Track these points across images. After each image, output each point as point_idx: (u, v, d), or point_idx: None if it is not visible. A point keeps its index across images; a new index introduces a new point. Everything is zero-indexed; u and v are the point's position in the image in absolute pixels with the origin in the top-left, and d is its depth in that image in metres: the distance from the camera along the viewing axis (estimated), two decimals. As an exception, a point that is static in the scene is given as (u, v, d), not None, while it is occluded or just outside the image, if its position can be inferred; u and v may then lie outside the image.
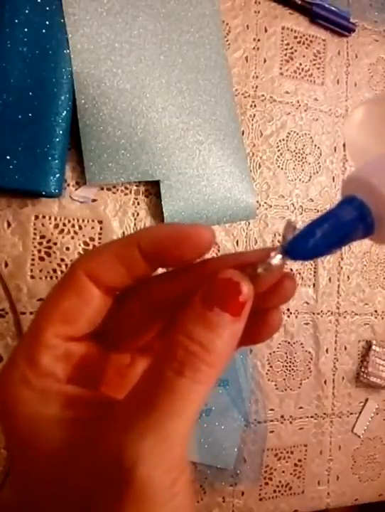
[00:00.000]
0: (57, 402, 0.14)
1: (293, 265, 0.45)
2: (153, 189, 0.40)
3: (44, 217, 0.36)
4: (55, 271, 0.37)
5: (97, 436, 0.13)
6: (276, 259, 0.15)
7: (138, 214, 0.39)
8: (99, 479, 0.13)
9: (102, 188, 0.38)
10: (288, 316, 0.45)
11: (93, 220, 0.38)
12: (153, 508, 0.13)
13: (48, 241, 0.36)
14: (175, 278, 0.17)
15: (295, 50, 0.46)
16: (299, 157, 0.46)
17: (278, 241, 0.44)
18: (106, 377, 0.18)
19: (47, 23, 0.34)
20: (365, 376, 0.47)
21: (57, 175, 0.34)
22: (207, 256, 0.16)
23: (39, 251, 0.36)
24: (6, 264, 0.35)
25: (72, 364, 0.16)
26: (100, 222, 0.38)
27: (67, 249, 0.37)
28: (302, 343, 0.45)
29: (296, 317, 0.45)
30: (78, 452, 0.13)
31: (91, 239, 0.38)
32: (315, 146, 0.47)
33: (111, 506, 0.13)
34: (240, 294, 0.14)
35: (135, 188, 0.39)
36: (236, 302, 0.14)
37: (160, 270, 0.17)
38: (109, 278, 0.15)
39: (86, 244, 0.38)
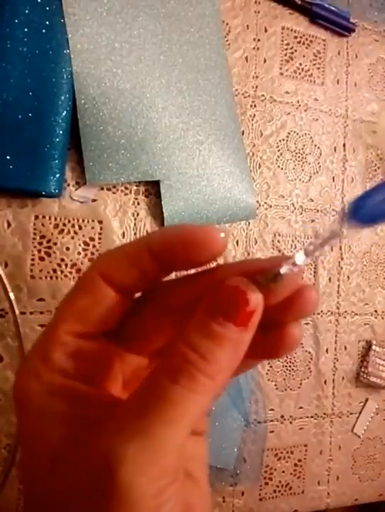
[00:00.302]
0: (62, 397, 0.14)
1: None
2: (153, 189, 0.40)
3: (44, 217, 0.36)
4: (55, 271, 0.37)
5: (94, 436, 0.13)
6: (284, 268, 0.14)
7: (138, 214, 0.39)
8: (93, 479, 0.13)
9: (102, 188, 0.38)
10: (288, 316, 0.45)
11: (93, 220, 0.38)
12: None
13: (48, 241, 0.36)
14: (189, 282, 0.16)
15: (295, 50, 0.46)
16: (299, 157, 0.46)
17: (278, 241, 0.44)
18: (123, 378, 0.18)
19: (47, 23, 0.34)
20: (365, 376, 0.47)
21: (57, 175, 0.34)
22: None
23: (39, 251, 0.36)
24: (6, 264, 0.35)
25: (83, 361, 0.16)
26: (100, 222, 0.38)
27: (67, 249, 0.37)
28: (302, 343, 0.45)
29: (296, 317, 0.45)
30: (78, 450, 0.13)
31: (91, 239, 0.38)
32: (315, 146, 0.47)
33: (98, 508, 0.12)
34: (247, 304, 0.13)
35: (135, 188, 0.39)
36: (243, 312, 0.13)
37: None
38: (122, 279, 0.15)
39: (86, 244, 0.38)
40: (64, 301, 0.16)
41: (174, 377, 0.13)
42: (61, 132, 0.34)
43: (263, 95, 0.44)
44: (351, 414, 0.48)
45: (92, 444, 0.13)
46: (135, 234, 0.39)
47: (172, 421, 0.13)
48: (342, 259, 0.47)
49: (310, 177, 0.46)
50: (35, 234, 0.36)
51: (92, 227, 0.38)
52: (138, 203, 0.39)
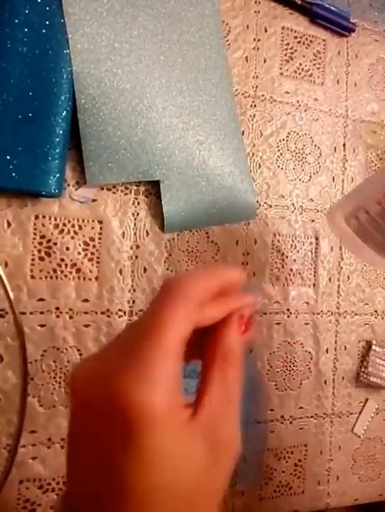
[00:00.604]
0: (176, 406, 0.18)
1: (293, 265, 0.45)
2: (153, 189, 0.40)
3: (44, 217, 0.36)
4: (55, 271, 0.37)
5: (216, 429, 0.19)
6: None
7: (138, 214, 0.39)
8: (223, 459, 0.19)
9: (102, 188, 0.38)
10: (288, 316, 0.45)
11: (93, 220, 0.38)
12: None
13: (48, 241, 0.36)
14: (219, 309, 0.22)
15: (295, 50, 0.46)
16: (299, 157, 0.46)
17: (278, 241, 0.44)
18: None
19: (47, 23, 0.34)
20: (365, 376, 0.47)
21: (57, 175, 0.34)
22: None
23: (39, 251, 0.36)
24: (6, 264, 0.35)
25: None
26: (100, 222, 0.38)
27: (67, 249, 0.37)
28: (302, 343, 0.45)
29: (296, 317, 0.45)
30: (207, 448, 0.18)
31: (92, 239, 0.38)
32: (315, 146, 0.47)
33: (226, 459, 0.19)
34: (249, 324, 0.22)
35: (135, 188, 0.39)
36: (248, 328, 0.22)
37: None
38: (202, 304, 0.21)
39: (86, 244, 0.38)
40: (173, 309, 0.19)
41: (228, 369, 0.20)
42: (61, 132, 0.34)
43: (263, 95, 0.44)
44: (351, 414, 0.48)
45: (219, 433, 0.19)
46: (135, 234, 0.39)
47: (237, 396, 0.20)
48: (342, 259, 0.47)
49: (310, 177, 0.46)
50: (35, 234, 0.36)
51: (92, 227, 0.38)
52: (138, 203, 0.39)
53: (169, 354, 0.17)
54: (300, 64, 0.46)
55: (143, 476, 0.16)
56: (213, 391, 0.19)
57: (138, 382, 0.16)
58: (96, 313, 0.38)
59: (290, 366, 0.45)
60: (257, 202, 0.44)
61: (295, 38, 0.46)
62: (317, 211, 0.46)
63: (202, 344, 0.21)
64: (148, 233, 0.40)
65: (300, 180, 0.46)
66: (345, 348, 0.47)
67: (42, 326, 0.36)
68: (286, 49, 0.46)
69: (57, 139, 0.34)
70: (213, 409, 0.19)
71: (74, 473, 0.18)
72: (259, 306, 0.31)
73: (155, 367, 0.17)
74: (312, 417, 0.46)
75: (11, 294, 0.33)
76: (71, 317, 0.37)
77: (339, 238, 0.45)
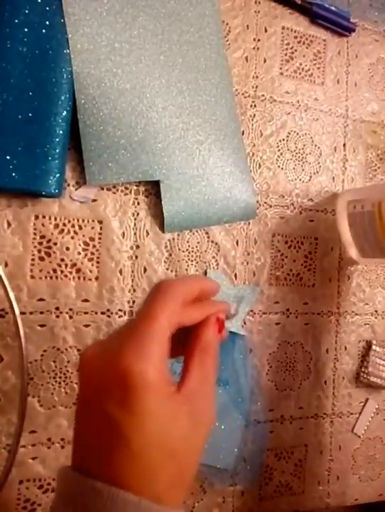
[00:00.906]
0: (168, 382, 0.22)
1: (293, 265, 0.45)
2: (153, 189, 0.40)
3: (44, 217, 0.36)
4: (55, 271, 0.37)
5: (196, 401, 0.23)
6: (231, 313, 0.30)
7: (138, 214, 0.39)
8: (202, 428, 0.23)
9: (102, 188, 0.38)
10: (288, 316, 0.45)
11: (93, 220, 0.38)
12: None
13: (48, 241, 0.36)
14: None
15: (295, 50, 0.46)
16: (299, 157, 0.46)
17: (278, 241, 0.44)
18: None
19: (47, 23, 0.34)
20: (365, 376, 0.47)
21: (57, 175, 0.34)
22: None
23: (39, 251, 0.36)
24: (6, 264, 0.35)
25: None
26: (100, 222, 0.38)
27: (67, 249, 0.37)
28: (302, 343, 0.45)
29: (296, 317, 0.45)
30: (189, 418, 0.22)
31: (92, 239, 0.38)
32: (315, 146, 0.47)
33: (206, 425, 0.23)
34: (223, 326, 0.26)
35: (135, 188, 0.39)
36: (221, 328, 0.26)
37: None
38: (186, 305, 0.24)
39: (86, 244, 0.38)
40: (163, 304, 0.22)
41: (209, 362, 0.24)
42: (61, 132, 0.34)
43: (263, 95, 0.44)
44: (351, 414, 0.48)
45: (199, 409, 0.23)
46: (135, 234, 0.39)
47: (213, 379, 0.24)
48: (341, 259, 0.47)
49: (310, 177, 0.46)
50: (35, 234, 0.36)
51: (92, 227, 0.38)
52: (138, 203, 0.39)
53: (159, 337, 0.21)
54: (300, 64, 0.46)
55: (138, 432, 0.20)
56: (194, 373, 0.23)
57: (135, 356, 0.20)
58: (96, 313, 0.38)
59: (290, 366, 0.45)
60: (257, 202, 0.44)
61: (295, 38, 0.46)
62: (317, 211, 0.46)
63: (184, 343, 0.25)
64: (148, 233, 0.40)
65: (300, 180, 0.46)
66: (345, 348, 0.47)
67: (42, 326, 0.36)
68: (286, 49, 0.46)
69: (57, 139, 0.34)
70: (193, 385, 0.23)
71: (81, 436, 0.22)
72: (232, 311, 0.36)
73: (148, 345, 0.21)
74: (312, 417, 0.46)
75: (11, 294, 0.33)
76: (71, 317, 0.37)
77: (336, 213, 0.47)
